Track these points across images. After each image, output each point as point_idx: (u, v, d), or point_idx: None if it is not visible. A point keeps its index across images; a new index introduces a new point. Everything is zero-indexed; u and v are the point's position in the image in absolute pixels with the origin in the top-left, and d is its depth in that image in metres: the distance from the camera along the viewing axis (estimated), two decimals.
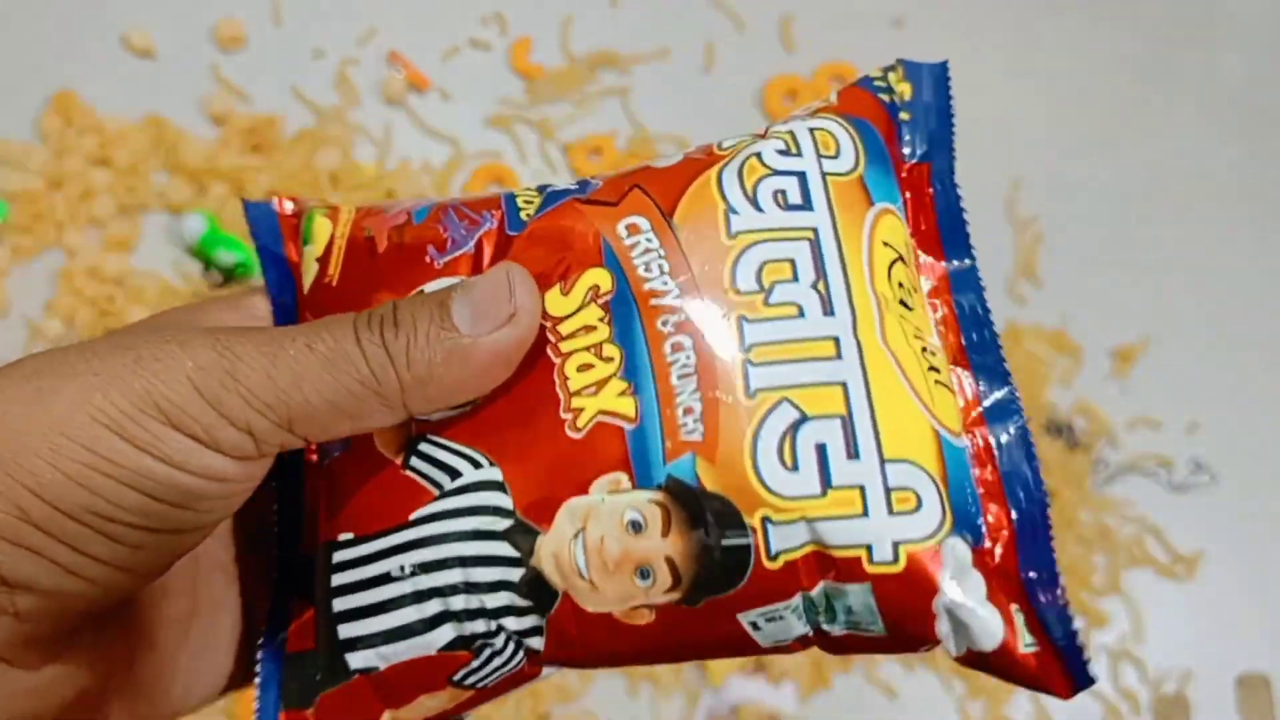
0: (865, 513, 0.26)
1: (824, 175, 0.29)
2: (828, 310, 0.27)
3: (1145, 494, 0.85)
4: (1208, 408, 0.87)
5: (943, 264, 0.31)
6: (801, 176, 0.28)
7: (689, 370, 0.26)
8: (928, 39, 0.96)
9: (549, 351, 0.27)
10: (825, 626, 0.27)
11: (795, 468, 0.26)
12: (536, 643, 0.27)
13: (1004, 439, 0.28)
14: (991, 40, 0.97)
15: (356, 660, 0.27)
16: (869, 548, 0.26)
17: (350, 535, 0.27)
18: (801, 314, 0.27)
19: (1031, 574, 0.27)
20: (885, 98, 0.31)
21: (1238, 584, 0.83)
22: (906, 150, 0.31)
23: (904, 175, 0.31)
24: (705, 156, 0.29)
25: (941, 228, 0.31)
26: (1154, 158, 0.93)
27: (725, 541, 0.26)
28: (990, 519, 0.27)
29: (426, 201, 0.31)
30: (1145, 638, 0.82)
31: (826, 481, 0.26)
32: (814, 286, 0.27)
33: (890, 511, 0.26)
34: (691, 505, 0.26)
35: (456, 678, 0.27)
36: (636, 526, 0.26)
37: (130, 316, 0.80)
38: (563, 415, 0.26)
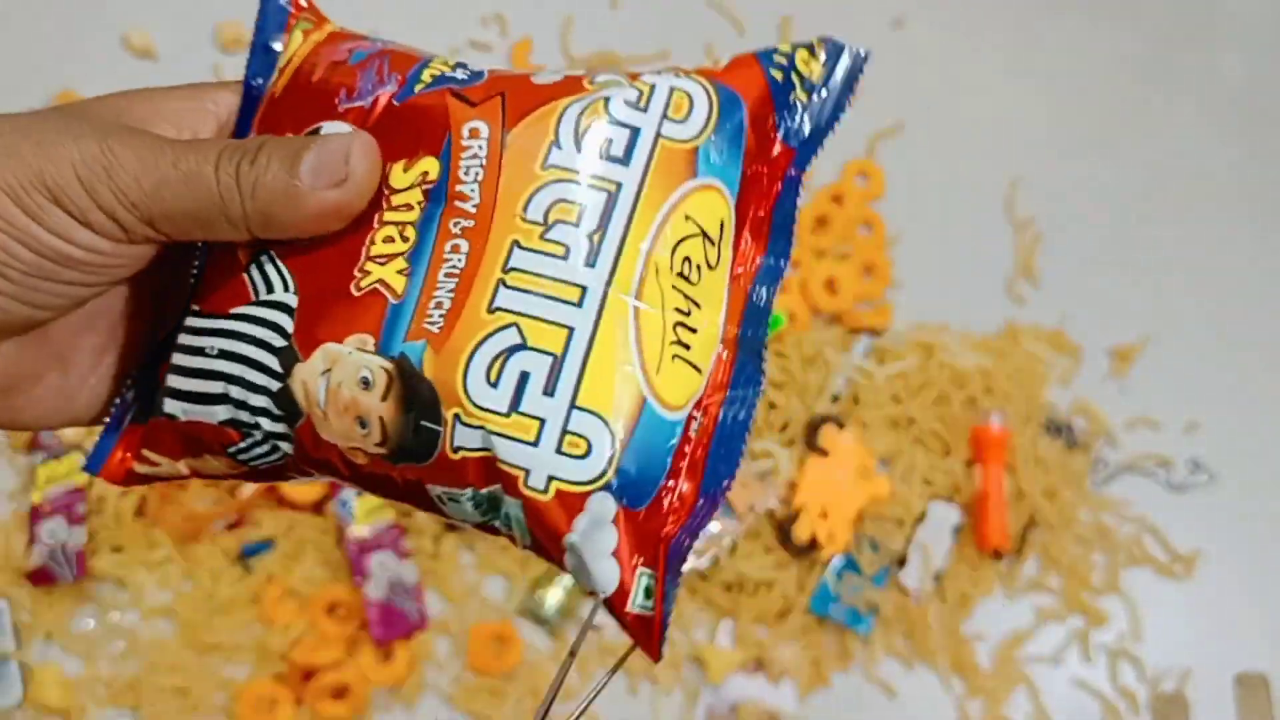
0: (536, 442, 0.29)
1: (658, 136, 0.31)
2: (590, 260, 0.30)
3: (1144, 493, 0.85)
4: (1207, 408, 0.87)
5: (760, 255, 0.32)
6: (635, 132, 0.30)
7: (455, 271, 0.30)
8: (927, 39, 0.96)
9: (376, 216, 0.31)
10: (494, 522, 0.31)
11: (495, 384, 0.29)
12: (287, 447, 0.31)
13: (726, 431, 0.31)
14: (991, 40, 0.97)
15: (169, 405, 0.32)
16: (527, 472, 0.29)
17: (197, 308, 0.32)
18: (565, 256, 0.29)
19: (676, 555, 0.30)
20: (777, 74, 0.32)
21: (1236, 583, 0.83)
22: (784, 131, 0.32)
23: (774, 154, 0.32)
24: (573, 86, 0.31)
25: (774, 222, 0.32)
26: (1154, 158, 0.93)
27: (422, 422, 0.29)
28: (680, 491, 0.30)
29: (370, 46, 0.33)
30: (1144, 636, 0.82)
31: (515, 405, 0.29)
32: (589, 236, 0.30)
33: (558, 449, 0.29)
34: (408, 382, 0.29)
35: (230, 451, 0.32)
36: (366, 383, 0.30)
37: None
38: (355, 273, 0.30)
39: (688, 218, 0.30)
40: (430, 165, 0.30)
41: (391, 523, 0.81)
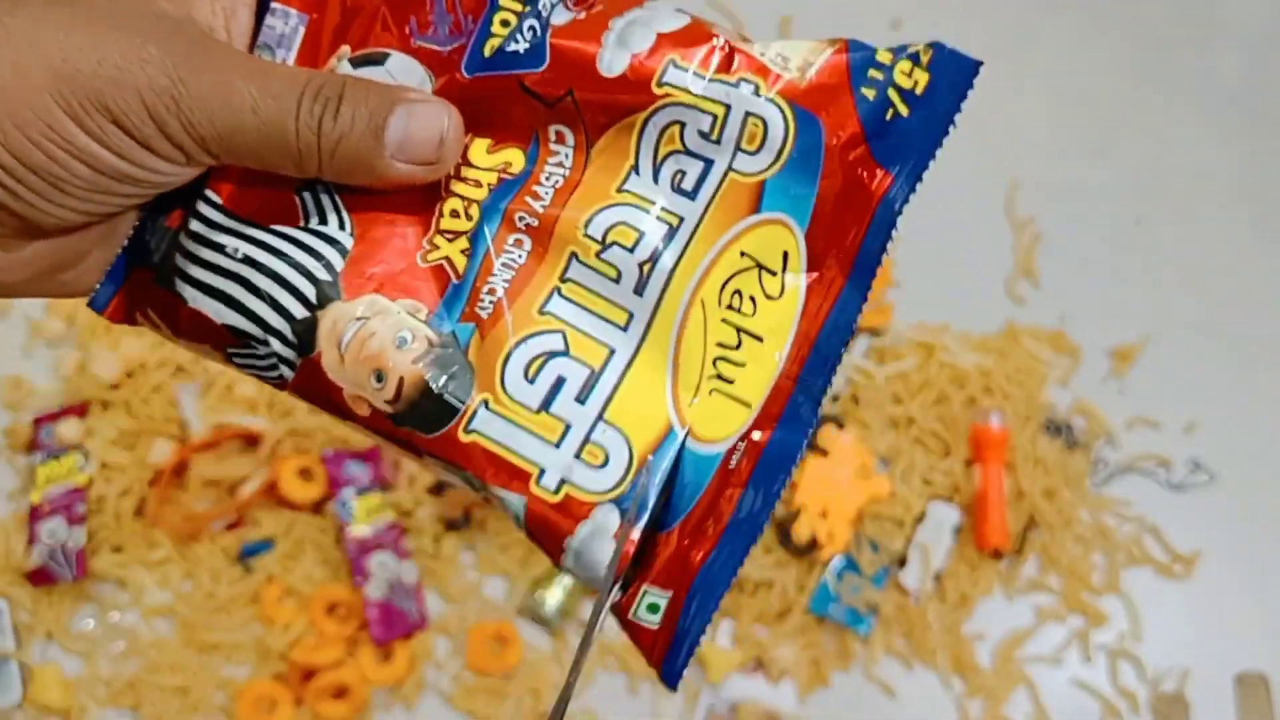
0: (557, 444, 0.30)
1: (729, 170, 0.30)
2: (639, 289, 0.30)
3: (1144, 493, 0.85)
4: (1206, 407, 0.87)
5: (841, 284, 0.32)
6: (708, 165, 0.30)
7: (513, 265, 0.31)
8: (927, 39, 0.96)
9: (445, 183, 0.31)
10: (487, 499, 0.31)
11: (532, 381, 0.30)
12: (288, 373, 0.31)
13: (761, 479, 0.31)
14: (991, 40, 0.97)
15: (178, 285, 0.31)
16: (542, 471, 0.30)
17: (219, 201, 0.31)
18: (617, 280, 0.30)
19: (706, 583, 0.30)
20: (869, 93, 0.31)
21: (1236, 583, 0.83)
22: (879, 153, 0.31)
23: (864, 178, 0.31)
24: (642, 88, 0.30)
25: (859, 254, 0.31)
26: (1153, 158, 0.94)
27: (445, 395, 0.30)
28: (705, 524, 0.30)
29: None
30: (1144, 636, 0.82)
31: (546, 405, 0.30)
32: (642, 264, 0.30)
33: (577, 455, 0.30)
34: (448, 356, 0.30)
35: (228, 351, 0.32)
36: (403, 342, 0.30)
37: None
38: (424, 243, 0.31)
39: (743, 254, 0.31)
40: (515, 157, 0.31)
41: (391, 522, 0.81)
